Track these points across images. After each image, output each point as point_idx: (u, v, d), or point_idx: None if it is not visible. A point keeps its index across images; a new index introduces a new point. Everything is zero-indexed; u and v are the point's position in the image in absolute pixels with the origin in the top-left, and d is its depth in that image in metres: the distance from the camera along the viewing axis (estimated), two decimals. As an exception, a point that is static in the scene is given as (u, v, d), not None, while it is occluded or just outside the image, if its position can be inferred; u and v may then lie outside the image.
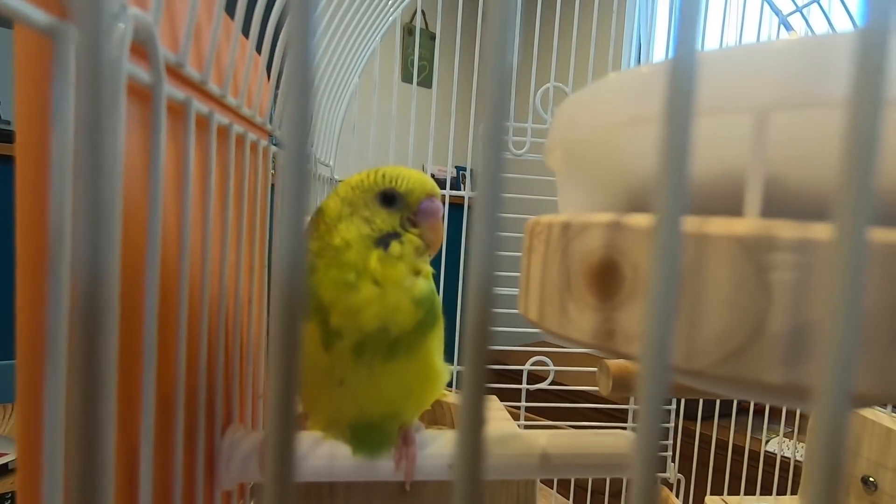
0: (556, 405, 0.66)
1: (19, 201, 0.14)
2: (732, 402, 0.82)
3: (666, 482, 0.69)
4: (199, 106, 0.20)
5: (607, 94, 0.15)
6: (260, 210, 0.31)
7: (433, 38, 0.68)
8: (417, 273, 0.26)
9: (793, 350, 0.11)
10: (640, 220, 0.13)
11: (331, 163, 0.57)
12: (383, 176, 0.27)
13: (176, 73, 0.20)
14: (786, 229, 0.11)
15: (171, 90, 0.18)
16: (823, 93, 0.11)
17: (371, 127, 0.58)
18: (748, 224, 0.11)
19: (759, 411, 1.01)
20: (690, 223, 0.12)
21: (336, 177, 0.58)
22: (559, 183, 0.20)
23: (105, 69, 0.10)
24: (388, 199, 0.26)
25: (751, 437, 0.75)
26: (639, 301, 0.12)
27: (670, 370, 0.09)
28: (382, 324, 0.25)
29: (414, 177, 0.27)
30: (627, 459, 0.28)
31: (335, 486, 0.32)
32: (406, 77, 2.02)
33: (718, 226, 0.11)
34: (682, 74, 0.07)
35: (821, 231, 0.10)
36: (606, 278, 0.13)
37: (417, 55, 0.67)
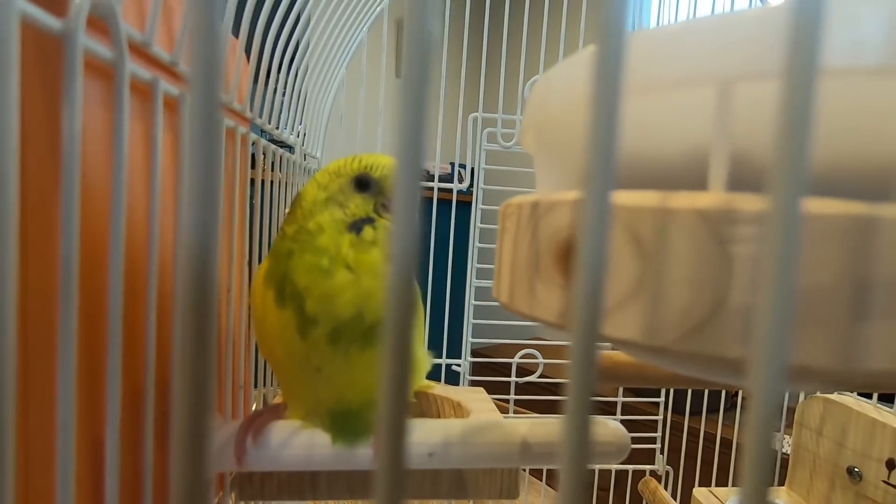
0: (544, 398, 0.66)
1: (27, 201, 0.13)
2: (720, 396, 0.83)
3: (654, 474, 0.69)
4: (168, 87, 0.20)
5: (575, 72, 0.15)
6: (239, 198, 0.31)
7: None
8: None
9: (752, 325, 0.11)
10: (605, 196, 0.13)
11: (318, 154, 0.56)
12: (359, 161, 0.27)
13: (144, 54, 0.19)
14: (747, 202, 0.11)
15: (136, 69, 0.18)
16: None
17: (358, 120, 0.57)
18: (711, 197, 0.11)
19: (733, 404, 1.02)
20: (653, 198, 0.12)
21: (323, 169, 0.58)
22: (535, 165, 0.20)
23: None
24: (363, 184, 0.26)
25: (738, 430, 0.76)
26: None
27: (599, 344, 0.08)
28: (357, 311, 0.25)
29: (389, 163, 0.27)
30: (609, 448, 0.27)
31: (317, 477, 0.32)
32: (398, 71, 2.01)
33: (681, 200, 0.11)
34: (610, 51, 0.07)
35: (782, 203, 0.10)
36: (573, 257, 0.13)
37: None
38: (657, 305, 0.11)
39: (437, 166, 0.63)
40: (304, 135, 0.50)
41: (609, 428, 0.28)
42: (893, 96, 0.11)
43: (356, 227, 0.26)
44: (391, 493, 0.06)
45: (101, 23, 0.16)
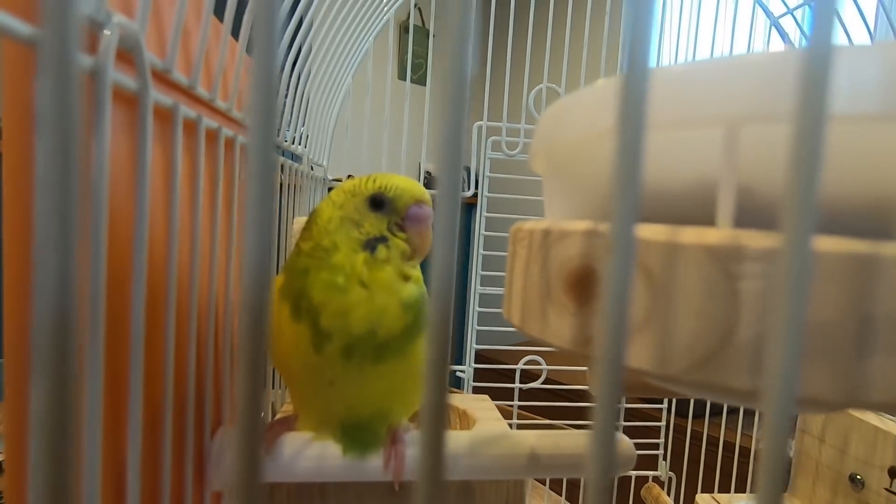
0: (548, 404, 0.66)
1: (5, 204, 0.14)
2: (724, 400, 0.83)
3: (657, 480, 0.69)
4: (187, 111, 0.21)
5: (590, 102, 0.16)
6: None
7: (429, 35, 0.68)
8: (407, 278, 0.27)
9: (760, 357, 0.11)
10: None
11: (324, 163, 0.57)
12: (374, 181, 0.27)
13: (163, 78, 0.20)
14: (754, 239, 0.11)
15: (158, 96, 0.18)
16: (792, 106, 0.11)
17: (364, 126, 0.58)
18: (719, 234, 0.11)
19: (749, 410, 1.02)
20: (662, 232, 0.12)
21: (329, 177, 0.58)
22: (544, 187, 0.21)
23: (73, 74, 0.10)
24: (377, 203, 0.27)
25: (741, 435, 0.76)
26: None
27: (622, 371, 0.09)
28: (370, 327, 0.26)
29: (403, 183, 0.27)
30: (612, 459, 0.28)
31: (326, 487, 0.32)
32: (402, 75, 2.02)
33: (690, 235, 0.12)
34: (633, 87, 0.08)
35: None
36: (584, 285, 0.14)
37: (413, 53, 0.67)
38: (667, 336, 0.12)
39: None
40: (311, 144, 0.51)
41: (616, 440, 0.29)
42: (891, 141, 0.11)
43: (370, 245, 0.26)
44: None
45: (124, 52, 0.16)
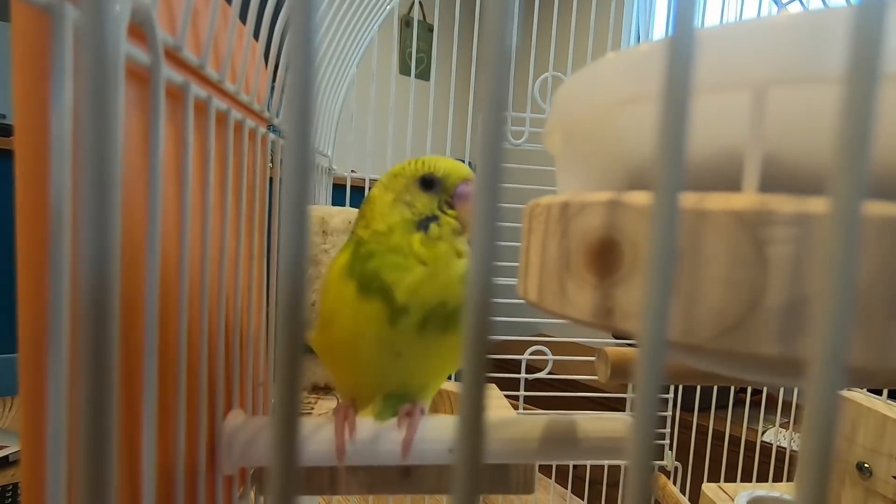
0: (554, 394, 0.66)
1: (19, 193, 0.14)
2: (729, 393, 0.83)
3: (663, 470, 0.69)
4: (198, 90, 0.20)
5: (606, 74, 0.15)
6: (259, 197, 0.31)
7: (431, 29, 0.67)
8: (460, 254, 0.28)
9: (788, 324, 0.11)
10: (639, 198, 0.13)
11: (329, 153, 0.56)
12: (423, 163, 0.29)
13: (174, 57, 0.20)
14: (783, 203, 0.11)
15: (170, 73, 0.18)
16: (821, 68, 0.11)
17: (369, 118, 0.58)
18: (746, 199, 0.11)
19: (755, 402, 1.02)
20: (689, 199, 0.12)
21: (334, 167, 0.58)
22: (558, 166, 0.20)
23: (109, 48, 0.10)
24: (427, 183, 0.28)
25: (747, 428, 0.76)
26: (637, 278, 0.13)
27: (667, 345, 0.09)
28: (441, 299, 0.27)
29: (451, 163, 0.29)
30: (626, 443, 0.28)
31: (336, 472, 0.32)
32: (404, 69, 2.01)
33: (717, 201, 0.12)
34: (681, 52, 0.07)
35: (818, 205, 0.11)
36: (605, 256, 0.13)
37: (415, 47, 0.66)
38: (693, 305, 0.12)
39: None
40: (316, 133, 0.50)
41: (620, 424, 0.29)
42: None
43: (423, 225, 0.28)
44: (469, 483, 0.07)
45: (135, 27, 0.16)
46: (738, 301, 0.11)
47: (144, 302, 0.17)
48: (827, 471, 0.06)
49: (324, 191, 0.55)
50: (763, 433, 0.95)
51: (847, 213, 0.06)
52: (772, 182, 0.13)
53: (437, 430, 0.27)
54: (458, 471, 0.07)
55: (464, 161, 0.74)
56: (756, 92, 0.12)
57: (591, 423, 0.28)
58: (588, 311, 0.14)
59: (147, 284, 0.17)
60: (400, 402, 0.29)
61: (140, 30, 0.16)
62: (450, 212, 0.28)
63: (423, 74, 1.89)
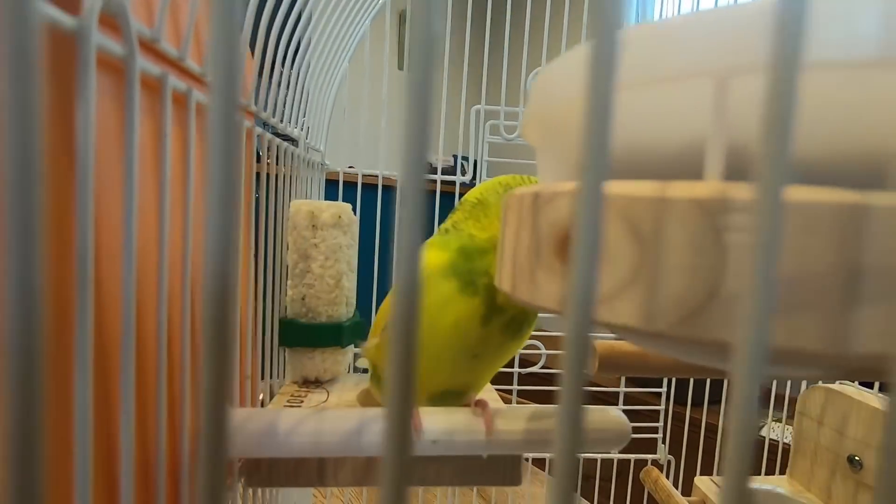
0: (547, 388, 0.66)
1: None
2: (722, 387, 0.83)
3: (656, 463, 0.70)
4: (176, 82, 0.20)
5: (577, 64, 0.15)
6: (244, 192, 0.31)
7: None
8: None
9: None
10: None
11: (321, 148, 0.56)
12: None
13: (153, 50, 0.20)
14: (742, 191, 0.11)
15: (146, 64, 0.18)
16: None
17: (362, 113, 0.58)
18: (707, 187, 0.11)
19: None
20: (650, 187, 0.12)
21: (327, 162, 0.58)
22: (537, 157, 0.20)
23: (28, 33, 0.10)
24: None
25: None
26: (601, 267, 0.13)
27: (592, 329, 0.09)
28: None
29: None
30: (609, 435, 0.28)
31: (324, 464, 0.32)
32: (402, 65, 2.00)
33: (678, 189, 0.12)
34: (604, 44, 0.07)
35: (776, 192, 0.11)
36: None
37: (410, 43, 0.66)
38: (654, 292, 0.12)
39: (439, 158, 0.63)
40: (308, 128, 0.50)
41: (609, 415, 0.29)
42: (886, 88, 0.11)
43: None
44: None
45: (110, 19, 0.16)
46: (698, 288, 0.11)
47: (122, 298, 0.18)
48: (749, 450, 0.06)
49: (316, 186, 0.55)
50: (761, 428, 0.95)
51: (768, 197, 0.06)
52: (739, 172, 0.13)
53: (424, 423, 0.27)
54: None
55: (456, 156, 0.74)
56: (718, 81, 0.12)
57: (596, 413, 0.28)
58: (557, 301, 0.14)
59: (124, 280, 0.17)
60: (453, 399, 0.31)
61: (114, 20, 0.16)
62: None
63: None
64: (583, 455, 0.82)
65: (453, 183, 0.63)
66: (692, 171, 0.13)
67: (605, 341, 0.38)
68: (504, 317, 0.28)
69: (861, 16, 0.11)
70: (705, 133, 0.13)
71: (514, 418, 0.28)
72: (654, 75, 0.13)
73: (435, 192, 0.63)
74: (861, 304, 0.10)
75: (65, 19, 0.14)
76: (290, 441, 0.26)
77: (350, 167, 0.61)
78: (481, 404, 0.29)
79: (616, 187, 0.13)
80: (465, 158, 0.67)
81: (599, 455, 0.73)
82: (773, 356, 0.12)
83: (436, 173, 0.62)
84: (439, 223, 0.63)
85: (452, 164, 1.47)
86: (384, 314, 0.33)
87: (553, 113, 0.16)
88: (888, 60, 0.11)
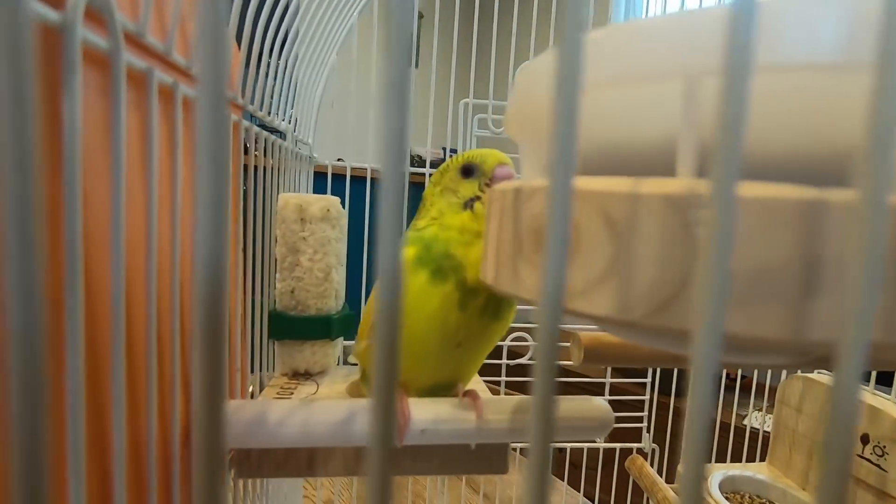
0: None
1: None
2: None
3: (641, 452, 0.71)
4: (162, 76, 0.20)
5: (542, 67, 0.16)
6: (232, 186, 0.31)
7: (420, 16, 0.66)
8: None
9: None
10: (581, 182, 0.13)
11: (310, 141, 0.56)
12: (461, 156, 0.32)
13: (137, 43, 0.20)
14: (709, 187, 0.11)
15: (132, 58, 0.18)
16: (761, 57, 0.12)
17: (350, 105, 0.58)
18: (677, 183, 0.12)
19: (729, 387, 1.04)
20: (624, 183, 0.12)
21: (315, 155, 0.58)
22: (520, 152, 0.21)
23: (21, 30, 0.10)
24: (468, 171, 0.32)
25: (722, 410, 0.78)
26: (579, 260, 0.13)
27: (560, 320, 0.09)
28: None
29: (487, 151, 0.32)
30: (593, 423, 0.29)
31: (314, 454, 0.33)
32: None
33: (651, 186, 0.12)
34: (570, 46, 0.08)
35: (743, 189, 0.11)
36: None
37: None
38: (629, 283, 0.12)
39: (428, 151, 0.64)
40: (296, 120, 0.50)
41: (592, 404, 0.30)
42: (846, 90, 0.12)
43: (468, 205, 0.31)
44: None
45: (95, 13, 0.16)
46: (670, 280, 0.12)
47: (111, 291, 0.18)
48: (708, 435, 0.07)
49: (305, 179, 0.55)
50: (744, 418, 0.97)
51: (721, 193, 0.07)
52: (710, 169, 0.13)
53: (416, 412, 0.28)
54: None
55: (445, 149, 0.74)
56: (689, 82, 0.12)
57: (566, 403, 0.29)
58: (537, 292, 0.14)
59: (112, 273, 0.18)
60: (443, 393, 0.31)
61: (98, 14, 0.16)
62: (488, 191, 0.30)
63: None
64: (569, 444, 0.83)
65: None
66: (666, 166, 0.14)
67: (590, 332, 0.39)
68: (479, 299, 0.29)
69: (822, 22, 0.11)
70: (676, 130, 0.14)
71: (501, 407, 0.28)
72: (629, 74, 0.13)
73: (423, 184, 0.63)
74: (818, 295, 0.11)
75: (50, 14, 0.14)
76: (279, 431, 0.26)
77: (339, 160, 0.61)
78: (470, 394, 0.30)
79: (592, 183, 0.13)
80: (454, 151, 0.68)
81: (586, 444, 0.74)
82: (738, 344, 0.13)
83: (425, 166, 0.62)
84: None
85: (442, 157, 1.47)
86: (367, 316, 0.33)
87: (532, 110, 0.17)
88: (849, 64, 0.11)
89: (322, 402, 0.28)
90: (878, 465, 0.50)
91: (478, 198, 0.31)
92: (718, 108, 0.07)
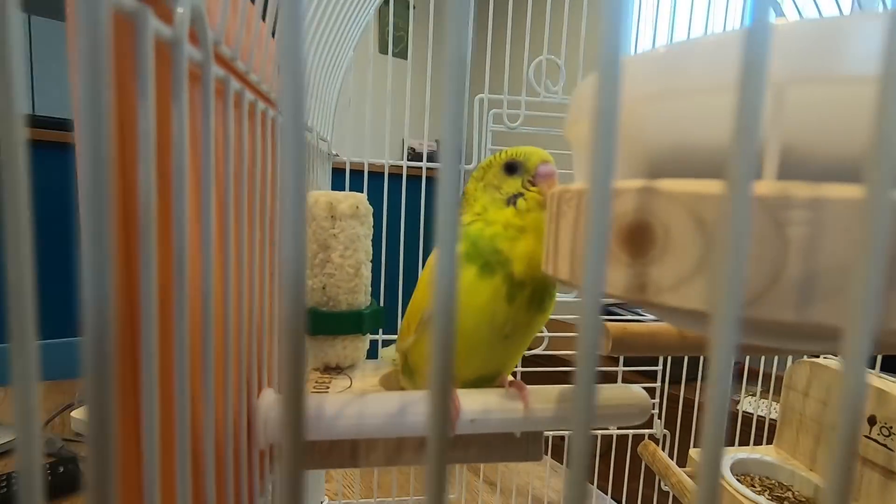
0: (550, 370, 0.69)
1: (82, 189, 0.14)
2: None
3: (653, 437, 0.73)
4: (235, 84, 0.21)
5: (639, 69, 0.17)
6: (270, 182, 0.32)
7: (409, 6, 0.64)
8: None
9: (804, 294, 0.13)
10: (671, 185, 0.14)
11: (328, 137, 0.57)
12: (505, 153, 0.33)
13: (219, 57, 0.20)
14: (801, 190, 0.12)
15: (217, 70, 0.19)
16: (834, 68, 0.13)
17: (367, 102, 0.58)
18: (769, 186, 0.13)
19: (736, 377, 1.07)
20: (717, 186, 0.13)
21: (334, 151, 0.58)
22: (578, 154, 0.22)
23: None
24: (511, 168, 0.32)
25: (730, 400, 0.80)
26: (668, 257, 0.14)
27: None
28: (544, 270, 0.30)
29: (530, 148, 0.33)
30: (633, 409, 0.30)
31: (357, 445, 0.34)
32: (384, 49, 1.96)
33: (742, 188, 0.13)
34: (756, 48, 0.09)
35: (831, 191, 0.12)
36: (638, 238, 0.15)
37: (394, 25, 0.64)
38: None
39: (425, 144, 0.64)
40: (317, 116, 0.51)
41: (632, 391, 0.31)
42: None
43: (511, 201, 0.31)
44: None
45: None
46: (761, 275, 0.13)
47: (175, 293, 0.18)
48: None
49: (325, 176, 0.56)
50: (738, 403, 1.00)
51: (877, 196, 0.08)
52: (789, 171, 0.14)
53: (464, 403, 0.29)
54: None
55: (437, 141, 0.74)
56: (776, 90, 0.13)
57: (607, 391, 0.30)
58: (621, 288, 0.15)
59: (176, 282, 0.18)
60: (486, 384, 0.32)
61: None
62: (532, 189, 0.31)
63: (402, 53, 1.85)
64: (601, 431, 0.83)
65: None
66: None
67: (616, 323, 0.40)
68: (526, 291, 0.30)
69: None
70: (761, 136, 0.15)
71: (545, 396, 0.29)
72: (717, 83, 0.14)
73: (421, 178, 0.63)
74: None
75: (164, 29, 0.14)
76: (336, 424, 0.27)
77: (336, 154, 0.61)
78: (516, 384, 0.31)
79: (682, 185, 0.14)
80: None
81: (599, 431, 0.76)
82: (820, 333, 0.14)
83: (421, 160, 0.63)
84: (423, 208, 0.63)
85: (437, 150, 1.46)
86: (414, 312, 0.34)
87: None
88: None
89: (374, 396, 0.29)
90: (884, 445, 0.52)
91: (521, 194, 0.31)
92: (878, 117, 0.08)
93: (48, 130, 1.27)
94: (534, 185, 0.31)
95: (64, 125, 1.35)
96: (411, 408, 0.28)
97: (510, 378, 0.32)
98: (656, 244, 0.14)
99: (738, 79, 0.13)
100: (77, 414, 1.08)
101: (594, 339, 0.11)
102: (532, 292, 0.30)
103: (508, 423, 0.29)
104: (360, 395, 0.29)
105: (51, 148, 1.16)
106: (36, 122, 1.36)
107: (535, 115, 0.61)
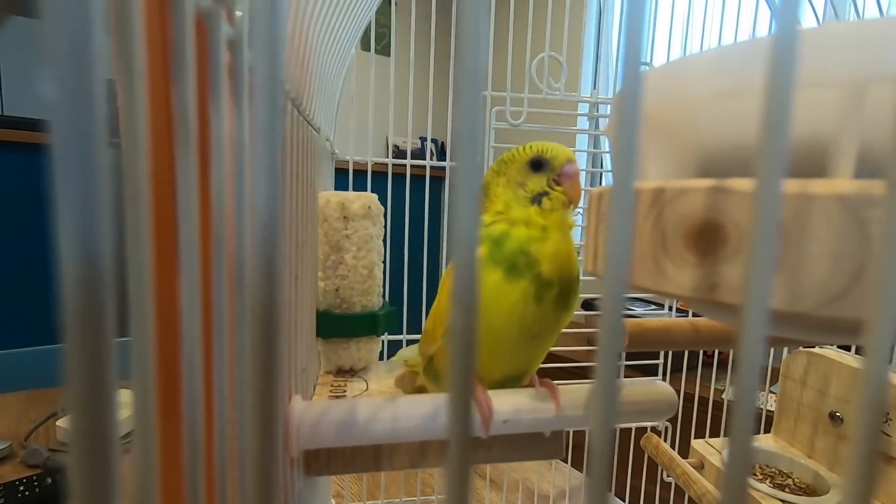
0: (554, 365, 0.69)
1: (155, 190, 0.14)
2: (698, 357, 0.88)
3: (655, 430, 0.74)
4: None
5: (691, 70, 0.17)
6: (296, 180, 0.31)
7: (391, 2, 0.62)
8: (571, 226, 0.31)
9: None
10: (743, 184, 0.14)
11: (331, 136, 0.56)
12: (531, 147, 0.32)
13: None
14: (882, 188, 0.13)
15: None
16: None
17: (370, 100, 0.57)
18: (849, 184, 0.13)
19: (707, 363, 1.09)
20: (792, 184, 0.13)
21: (337, 151, 0.58)
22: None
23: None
24: (537, 165, 0.31)
25: (699, 385, 0.82)
26: (741, 257, 0.14)
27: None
28: (571, 269, 0.30)
29: (556, 146, 0.32)
30: (661, 405, 0.30)
31: (380, 450, 0.33)
32: (366, 45, 1.94)
33: (821, 187, 0.13)
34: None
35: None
36: (707, 237, 0.15)
37: (375, 21, 0.62)
38: (798, 276, 0.13)
39: (409, 141, 0.63)
40: (322, 116, 0.50)
41: (657, 387, 0.31)
42: None
43: (536, 200, 0.31)
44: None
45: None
46: (843, 273, 0.13)
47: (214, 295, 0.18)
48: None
49: (329, 176, 0.55)
50: (723, 392, 1.02)
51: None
52: (862, 170, 0.14)
53: (494, 404, 0.29)
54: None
55: (425, 138, 0.74)
56: (856, 89, 0.13)
57: (633, 388, 0.30)
58: (689, 287, 0.15)
59: (215, 282, 0.18)
60: (513, 384, 0.32)
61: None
62: (557, 188, 0.31)
63: (384, 50, 1.83)
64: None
65: (424, 167, 0.63)
66: (808, 166, 0.15)
67: (632, 319, 0.41)
68: (554, 290, 0.29)
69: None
70: (822, 132, 0.15)
71: (575, 396, 0.29)
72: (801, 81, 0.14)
73: (405, 175, 0.62)
74: None
75: (228, 30, 0.14)
76: (370, 429, 0.27)
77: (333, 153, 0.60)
78: (546, 384, 0.31)
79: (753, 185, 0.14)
80: (434, 141, 0.67)
81: (651, 422, 0.77)
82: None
83: (405, 157, 0.62)
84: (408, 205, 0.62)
85: (420, 147, 1.46)
86: (440, 316, 0.33)
87: (665, 113, 0.18)
88: None
89: (405, 399, 0.28)
90: (882, 431, 0.54)
91: (546, 193, 0.31)
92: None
93: (16, 131, 1.21)
94: (558, 184, 0.31)
95: (33, 125, 1.28)
96: (444, 410, 0.28)
97: (538, 378, 0.32)
98: (729, 243, 0.14)
99: (805, 77, 0.13)
100: (62, 423, 1.04)
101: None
102: (559, 291, 0.30)
103: (540, 423, 0.29)
104: (391, 399, 0.28)
105: (19, 149, 1.11)
106: (5, 122, 1.30)
107: (538, 112, 0.61)
